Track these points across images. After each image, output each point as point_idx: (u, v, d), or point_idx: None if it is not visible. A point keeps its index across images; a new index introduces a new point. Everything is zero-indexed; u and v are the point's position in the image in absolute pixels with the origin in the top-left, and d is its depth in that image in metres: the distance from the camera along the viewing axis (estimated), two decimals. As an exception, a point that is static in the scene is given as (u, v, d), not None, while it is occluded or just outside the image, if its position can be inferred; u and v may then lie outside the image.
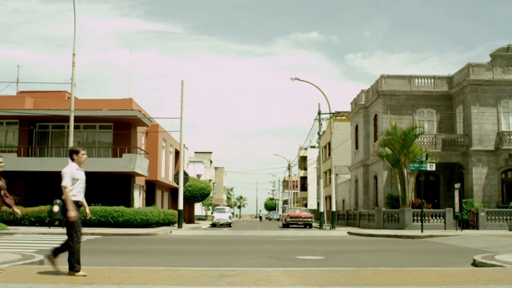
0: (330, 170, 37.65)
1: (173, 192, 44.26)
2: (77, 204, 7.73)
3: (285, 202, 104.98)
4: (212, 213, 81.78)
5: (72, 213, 7.46)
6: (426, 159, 27.32)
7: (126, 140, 32.54)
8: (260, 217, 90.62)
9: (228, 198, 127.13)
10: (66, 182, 7.58)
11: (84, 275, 7.36)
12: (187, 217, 48.26)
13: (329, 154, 46.47)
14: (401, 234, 22.92)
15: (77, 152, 7.88)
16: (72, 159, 7.87)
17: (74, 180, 7.70)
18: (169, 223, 33.51)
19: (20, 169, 30.70)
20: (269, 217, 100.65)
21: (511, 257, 10.84)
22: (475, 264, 10.30)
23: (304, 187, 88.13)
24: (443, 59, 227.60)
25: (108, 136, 33.38)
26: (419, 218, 28.74)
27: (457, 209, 26.82)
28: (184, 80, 32.00)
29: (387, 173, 35.89)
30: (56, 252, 7.72)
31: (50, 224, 25.94)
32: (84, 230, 23.46)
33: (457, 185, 27.93)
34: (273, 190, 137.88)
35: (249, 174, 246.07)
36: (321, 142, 40.08)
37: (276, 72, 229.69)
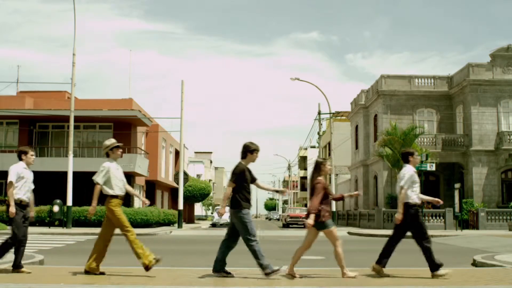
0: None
1: (173, 192, 44.25)
2: (21, 204, 7.78)
3: (285, 202, 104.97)
4: (212, 213, 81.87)
5: (12, 209, 7.63)
6: (426, 159, 27.33)
7: (126, 140, 32.52)
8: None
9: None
10: (11, 178, 7.78)
11: (29, 272, 7.54)
12: (187, 217, 48.25)
13: (329, 154, 46.46)
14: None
15: (25, 153, 8.05)
16: (21, 159, 8.01)
17: (19, 179, 7.81)
18: (169, 223, 33.50)
19: (20, 169, 30.68)
20: (269, 217, 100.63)
21: (511, 257, 10.84)
22: (475, 264, 10.30)
23: (304, 187, 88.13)
24: (443, 59, 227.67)
25: (108, 136, 33.34)
26: (419, 218, 28.72)
27: (457, 209, 26.82)
28: (184, 80, 32.02)
29: (387, 173, 35.89)
30: None
31: (50, 224, 25.92)
32: (84, 230, 23.52)
33: (457, 185, 27.94)
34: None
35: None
36: (321, 142, 40.09)
37: (276, 72, 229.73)
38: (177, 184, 32.08)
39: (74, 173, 25.38)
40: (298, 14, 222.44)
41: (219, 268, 7.62)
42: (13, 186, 7.74)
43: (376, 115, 39.26)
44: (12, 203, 7.67)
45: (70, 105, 26.22)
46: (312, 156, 73.59)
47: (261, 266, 7.40)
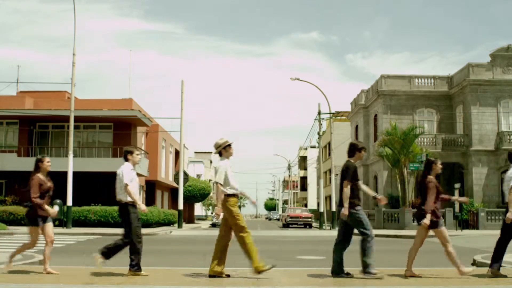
0: (330, 170, 37.61)
1: (173, 192, 44.24)
2: (133, 205, 7.80)
3: (285, 202, 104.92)
4: (212, 213, 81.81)
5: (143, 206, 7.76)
6: (426, 159, 27.32)
7: (126, 140, 32.52)
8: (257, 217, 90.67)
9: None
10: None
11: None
12: (187, 217, 48.25)
13: (329, 154, 46.45)
14: (401, 234, 22.92)
15: (131, 153, 7.96)
16: (127, 160, 7.95)
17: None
18: (169, 223, 33.49)
19: (20, 169, 30.64)
20: (269, 217, 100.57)
21: (511, 257, 10.83)
22: (475, 264, 10.30)
23: (304, 187, 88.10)
24: (443, 59, 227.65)
25: (108, 136, 33.37)
26: (419, 218, 28.72)
27: (457, 209, 26.82)
28: (184, 80, 32.01)
29: (387, 173, 35.89)
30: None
31: (50, 224, 25.89)
32: (85, 230, 23.52)
33: (457, 185, 27.94)
34: (273, 190, 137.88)
35: (249, 174, 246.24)
36: (321, 142, 40.07)
37: (276, 72, 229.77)
38: (177, 184, 32.07)
39: (74, 173, 25.38)
40: (298, 14, 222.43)
41: (339, 271, 7.63)
42: (129, 187, 7.60)
43: (376, 115, 39.25)
44: (139, 202, 7.64)
45: (70, 105, 26.21)
46: (312, 156, 73.57)
47: (364, 263, 7.42)
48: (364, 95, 42.97)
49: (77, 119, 28.08)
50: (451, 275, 7.72)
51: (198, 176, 74.32)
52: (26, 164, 30.65)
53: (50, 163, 7.96)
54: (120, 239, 7.65)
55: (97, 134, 33.35)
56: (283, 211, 66.00)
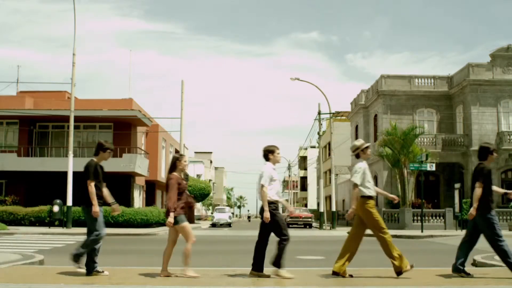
0: (330, 170, 37.64)
1: (173, 192, 44.19)
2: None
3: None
4: (212, 213, 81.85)
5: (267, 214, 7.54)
6: (426, 159, 27.33)
7: (126, 140, 32.53)
8: (249, 217, 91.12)
9: (228, 198, 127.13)
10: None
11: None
12: (187, 217, 48.20)
13: (329, 154, 46.47)
14: (401, 234, 22.92)
15: (273, 152, 7.90)
16: (268, 159, 7.92)
17: (271, 181, 7.80)
18: (169, 223, 33.45)
19: (20, 169, 30.69)
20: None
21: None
22: (475, 264, 10.31)
23: (304, 187, 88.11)
24: (443, 59, 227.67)
25: (108, 136, 33.36)
26: (419, 218, 28.75)
27: (457, 209, 26.81)
28: (184, 80, 32.05)
29: (387, 173, 35.90)
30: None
31: (50, 224, 25.92)
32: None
33: (457, 185, 27.94)
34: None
35: (249, 174, 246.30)
36: (321, 142, 40.09)
37: (276, 72, 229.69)
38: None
39: (74, 173, 25.35)
40: (298, 14, 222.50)
41: (462, 269, 7.63)
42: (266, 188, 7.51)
43: (376, 115, 39.26)
44: (281, 200, 7.65)
45: (70, 105, 26.22)
46: (312, 156, 73.64)
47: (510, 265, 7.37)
48: (364, 95, 42.98)
49: (77, 119, 28.09)
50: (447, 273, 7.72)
51: (198, 176, 74.32)
52: (26, 164, 30.75)
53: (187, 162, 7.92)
54: (277, 242, 7.51)
55: (97, 134, 33.35)
56: (283, 211, 66.13)
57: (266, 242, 7.59)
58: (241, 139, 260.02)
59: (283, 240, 7.45)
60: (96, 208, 7.59)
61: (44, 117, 31.62)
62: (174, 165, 7.70)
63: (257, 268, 7.53)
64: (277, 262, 7.43)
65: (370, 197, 7.53)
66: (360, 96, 43.77)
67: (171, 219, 7.42)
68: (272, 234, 7.54)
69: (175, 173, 7.64)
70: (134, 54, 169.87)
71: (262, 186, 7.52)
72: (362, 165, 7.63)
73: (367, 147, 7.75)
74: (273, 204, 7.56)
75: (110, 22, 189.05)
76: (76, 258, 7.49)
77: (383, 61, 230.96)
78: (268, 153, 7.83)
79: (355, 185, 7.52)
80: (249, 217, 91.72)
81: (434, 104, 37.11)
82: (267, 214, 7.42)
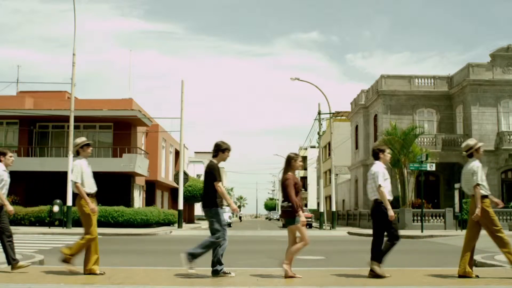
0: (330, 170, 37.63)
1: (173, 192, 44.25)
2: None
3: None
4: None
5: None
6: (426, 159, 27.31)
7: (126, 140, 32.53)
8: (240, 217, 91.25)
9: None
10: None
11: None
12: (187, 217, 48.25)
13: (329, 154, 46.45)
14: (401, 234, 22.89)
15: (4, 154, 8.04)
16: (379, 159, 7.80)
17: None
18: (169, 223, 33.49)
19: (20, 169, 30.63)
20: (269, 217, 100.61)
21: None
22: (475, 264, 10.28)
23: (304, 187, 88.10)
24: (443, 59, 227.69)
25: (108, 136, 33.38)
26: (419, 218, 28.73)
27: (457, 209, 26.79)
28: (184, 80, 32.01)
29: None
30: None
31: (50, 224, 25.92)
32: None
33: (457, 185, 27.90)
34: (273, 190, 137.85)
35: (249, 174, 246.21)
36: (321, 142, 40.08)
37: (276, 72, 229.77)
38: (177, 184, 32.07)
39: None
40: (298, 14, 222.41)
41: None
42: None
43: (376, 115, 39.25)
44: (387, 205, 7.55)
45: (70, 105, 26.21)
46: (312, 156, 73.62)
47: None
48: (364, 95, 42.97)
49: (77, 119, 28.08)
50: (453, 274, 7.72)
51: (198, 176, 74.28)
52: (26, 164, 30.72)
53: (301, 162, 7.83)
54: (386, 240, 7.53)
55: (97, 134, 33.35)
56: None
57: (382, 240, 7.59)
58: (241, 139, 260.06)
59: (394, 240, 7.56)
60: (234, 205, 7.77)
61: (44, 117, 31.61)
62: (289, 165, 7.64)
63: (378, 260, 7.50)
64: (380, 257, 7.45)
65: (486, 196, 7.50)
66: (360, 96, 43.76)
67: (303, 218, 7.41)
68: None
69: (290, 173, 7.58)
70: (134, 54, 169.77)
71: (380, 185, 7.50)
72: (478, 164, 7.58)
73: (480, 147, 7.72)
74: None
75: (110, 22, 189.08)
76: (191, 257, 7.37)
77: (383, 61, 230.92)
78: (379, 152, 7.81)
79: (477, 185, 7.43)
80: (240, 217, 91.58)
81: (434, 104, 37.10)
82: (391, 213, 7.47)
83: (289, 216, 7.49)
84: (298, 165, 7.64)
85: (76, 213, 26.61)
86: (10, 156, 8.00)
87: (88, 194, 7.50)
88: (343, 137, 48.50)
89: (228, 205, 7.67)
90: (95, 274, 7.42)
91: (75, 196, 7.69)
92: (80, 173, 7.53)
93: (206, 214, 7.59)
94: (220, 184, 7.46)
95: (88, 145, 7.82)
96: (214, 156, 7.77)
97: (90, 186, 7.61)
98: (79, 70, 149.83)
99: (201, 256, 7.45)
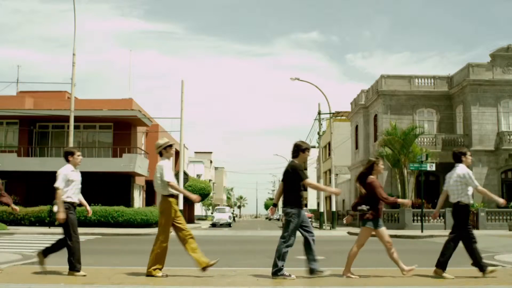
0: (330, 170, 37.63)
1: (173, 192, 44.20)
2: (73, 205, 7.63)
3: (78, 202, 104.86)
4: (212, 213, 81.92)
5: (61, 215, 7.37)
6: (426, 159, 27.32)
7: (126, 140, 32.53)
8: (234, 218, 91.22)
9: (228, 198, 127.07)
10: (59, 183, 7.45)
11: (84, 275, 7.35)
12: (187, 217, 48.23)
13: (329, 154, 46.45)
14: (401, 234, 22.93)
15: (72, 154, 7.77)
16: (68, 161, 7.73)
17: (68, 182, 7.53)
18: (169, 223, 33.47)
19: (20, 169, 30.68)
20: (269, 217, 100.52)
21: (511, 257, 10.85)
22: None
23: (304, 187, 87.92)
24: (443, 59, 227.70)
25: (108, 136, 33.38)
26: (419, 218, 28.75)
27: (457, 209, 26.79)
28: (184, 80, 32.00)
29: (387, 173, 35.89)
30: (46, 252, 7.71)
31: (50, 224, 25.93)
32: (84, 230, 23.48)
33: (457, 185, 27.90)
34: (273, 190, 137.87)
35: (249, 174, 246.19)
36: (321, 142, 40.08)
37: (276, 72, 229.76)
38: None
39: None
40: (298, 14, 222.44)
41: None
42: (62, 190, 7.56)
43: (376, 115, 39.25)
44: (61, 209, 7.58)
45: (70, 105, 26.22)
46: (312, 156, 73.53)
47: None
48: (364, 95, 42.96)
49: (77, 119, 28.09)
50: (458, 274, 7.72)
51: (198, 176, 74.33)
52: (26, 164, 30.73)
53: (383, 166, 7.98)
54: (449, 240, 7.79)
55: (97, 134, 33.36)
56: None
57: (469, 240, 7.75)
58: (241, 139, 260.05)
59: (465, 240, 7.76)
60: (334, 189, 8.16)
61: (44, 117, 31.61)
62: (372, 168, 7.76)
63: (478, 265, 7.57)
64: (444, 264, 7.63)
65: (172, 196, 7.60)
66: (360, 96, 43.76)
67: (369, 215, 7.51)
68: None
69: (372, 176, 7.70)
70: (134, 54, 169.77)
71: (477, 186, 7.78)
72: (163, 163, 7.76)
73: (78, 155, 7.79)
74: (72, 206, 7.67)
75: (110, 22, 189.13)
76: (278, 271, 7.36)
77: (383, 61, 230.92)
78: (461, 155, 7.91)
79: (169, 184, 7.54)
80: (234, 217, 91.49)
81: (434, 104, 37.10)
82: (60, 216, 7.50)
83: (372, 217, 7.53)
84: (380, 168, 7.87)
85: (76, 213, 26.71)
86: (78, 156, 7.82)
87: (172, 196, 7.57)
88: (343, 137, 48.48)
89: (331, 192, 7.80)
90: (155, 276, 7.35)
91: (151, 195, 7.69)
92: (172, 172, 7.60)
93: (286, 214, 7.57)
94: (309, 180, 7.54)
95: (170, 146, 7.84)
96: (294, 157, 7.74)
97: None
98: (79, 70, 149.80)
99: (284, 262, 7.41)
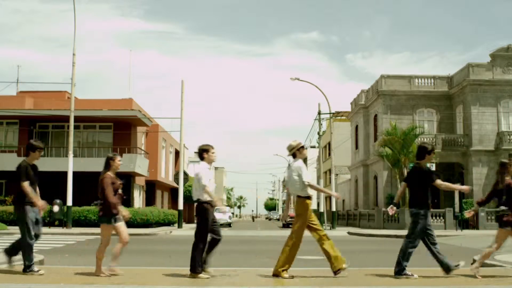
0: (330, 170, 37.63)
1: (173, 192, 44.24)
2: None
3: (285, 202, 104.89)
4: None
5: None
6: (426, 159, 27.29)
7: (126, 140, 32.52)
8: (253, 217, 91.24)
9: (228, 198, 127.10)
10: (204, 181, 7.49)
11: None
12: (187, 217, 48.25)
13: (329, 154, 46.45)
14: (401, 234, 22.88)
15: (207, 151, 7.71)
16: (203, 158, 7.72)
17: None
18: (169, 223, 33.48)
19: (20, 169, 30.63)
20: (269, 217, 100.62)
21: (511, 257, 10.85)
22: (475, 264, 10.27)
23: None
24: (443, 59, 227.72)
25: (108, 136, 33.37)
26: (419, 218, 28.71)
27: (457, 209, 26.80)
28: (184, 80, 32.02)
29: (387, 173, 35.90)
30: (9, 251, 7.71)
31: (50, 224, 25.91)
32: (84, 230, 23.50)
33: (457, 185, 27.90)
34: (273, 190, 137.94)
35: (249, 174, 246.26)
36: (321, 142, 40.08)
37: (276, 72, 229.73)
38: (177, 184, 32.07)
39: (74, 173, 25.37)
40: (298, 14, 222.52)
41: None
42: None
43: (376, 115, 39.25)
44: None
45: (70, 105, 26.21)
46: (312, 156, 73.53)
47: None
48: (364, 95, 42.97)
49: (77, 119, 28.08)
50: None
51: (198, 176, 74.24)
52: (26, 164, 30.72)
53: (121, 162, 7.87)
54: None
55: (97, 134, 33.35)
56: (283, 211, 66.03)
57: None
58: (241, 139, 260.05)
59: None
60: (462, 187, 8.15)
61: (44, 117, 31.61)
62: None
63: None
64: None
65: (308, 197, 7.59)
66: (360, 96, 43.76)
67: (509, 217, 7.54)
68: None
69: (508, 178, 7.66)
70: (134, 54, 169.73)
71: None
72: (298, 163, 7.62)
73: (302, 147, 7.80)
74: None
75: (110, 22, 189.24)
76: (401, 271, 7.44)
77: (383, 61, 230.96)
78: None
79: (309, 185, 7.52)
80: (253, 217, 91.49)
81: (434, 104, 37.10)
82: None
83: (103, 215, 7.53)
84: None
85: (76, 213, 26.74)
86: (213, 153, 7.75)
87: (309, 198, 7.51)
88: (343, 137, 48.49)
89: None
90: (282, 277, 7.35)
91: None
92: (306, 172, 7.54)
93: (414, 215, 7.58)
94: (439, 181, 7.56)
95: (303, 147, 7.80)
96: (420, 159, 7.75)
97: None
98: (79, 70, 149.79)
99: (408, 262, 7.52)
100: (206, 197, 7.55)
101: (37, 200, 7.41)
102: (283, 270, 7.33)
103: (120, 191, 7.68)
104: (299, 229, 7.47)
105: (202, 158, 7.71)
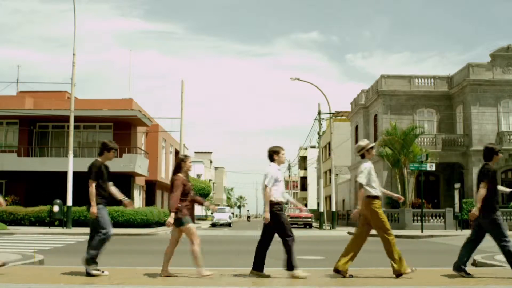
0: (330, 170, 37.64)
1: (173, 192, 44.19)
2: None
3: (285, 202, 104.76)
4: (212, 213, 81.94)
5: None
6: (426, 159, 27.32)
7: (126, 140, 32.52)
8: (249, 217, 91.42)
9: (228, 198, 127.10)
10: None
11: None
12: (187, 217, 48.22)
13: (329, 154, 46.46)
14: (401, 234, 22.90)
15: (277, 153, 7.72)
16: (273, 160, 7.72)
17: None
18: (169, 223, 33.49)
19: (20, 169, 30.67)
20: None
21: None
22: (475, 264, 10.30)
23: (304, 187, 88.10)
24: (443, 59, 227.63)
25: (108, 136, 33.33)
26: (419, 218, 28.74)
27: (457, 209, 26.81)
28: (184, 80, 32.04)
29: (387, 173, 35.89)
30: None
31: (50, 224, 25.91)
32: (84, 230, 23.48)
33: (457, 185, 27.94)
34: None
35: (249, 174, 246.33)
36: (321, 142, 40.08)
37: (276, 72, 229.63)
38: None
39: (74, 173, 25.36)
40: (298, 14, 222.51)
41: (463, 269, 7.71)
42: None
43: (376, 115, 39.25)
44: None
45: (70, 105, 26.22)
46: (312, 156, 73.63)
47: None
48: (364, 95, 42.97)
49: (77, 119, 28.08)
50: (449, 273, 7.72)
51: (198, 176, 74.30)
52: (26, 164, 30.73)
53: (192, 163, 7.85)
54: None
55: (97, 134, 33.35)
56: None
57: None
58: (241, 139, 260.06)
59: None
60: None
61: (44, 117, 31.61)
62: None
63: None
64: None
65: (376, 197, 7.53)
66: (360, 96, 43.76)
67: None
68: None
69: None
70: (134, 54, 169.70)
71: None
72: (367, 165, 7.63)
73: (372, 148, 7.81)
74: None
75: (110, 22, 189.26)
76: None
77: (383, 61, 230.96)
78: (274, 154, 7.78)
79: (361, 185, 7.51)
80: (248, 217, 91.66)
81: (434, 104, 37.10)
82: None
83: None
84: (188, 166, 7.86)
85: (76, 213, 26.73)
86: (283, 154, 7.75)
87: (375, 197, 7.50)
88: (343, 137, 48.49)
89: None
90: (340, 272, 7.41)
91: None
92: (368, 175, 7.52)
93: (489, 218, 7.80)
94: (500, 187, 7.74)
95: (372, 147, 7.79)
96: (488, 160, 7.90)
97: (377, 190, 7.59)
98: (79, 70, 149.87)
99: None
100: (276, 197, 7.55)
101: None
102: (399, 266, 7.32)
103: (192, 192, 7.65)
104: (383, 225, 7.44)
105: (272, 159, 7.74)
